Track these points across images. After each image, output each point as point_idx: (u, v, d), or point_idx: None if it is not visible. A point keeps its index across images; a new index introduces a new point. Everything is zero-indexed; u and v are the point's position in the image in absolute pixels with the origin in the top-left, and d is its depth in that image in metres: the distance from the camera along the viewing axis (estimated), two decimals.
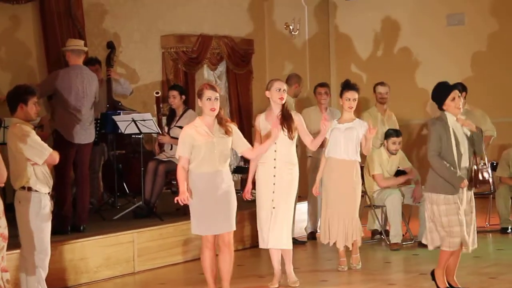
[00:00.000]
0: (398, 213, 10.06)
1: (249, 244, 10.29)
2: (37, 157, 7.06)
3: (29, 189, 7.06)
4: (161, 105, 10.52)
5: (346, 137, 8.78)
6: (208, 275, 7.41)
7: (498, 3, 14.28)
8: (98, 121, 10.38)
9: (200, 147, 7.20)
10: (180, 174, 7.24)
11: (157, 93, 10.55)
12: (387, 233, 10.40)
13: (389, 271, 9.07)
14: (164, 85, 12.86)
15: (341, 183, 8.77)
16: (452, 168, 7.22)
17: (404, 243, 10.15)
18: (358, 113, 13.60)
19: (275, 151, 8.07)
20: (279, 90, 8.11)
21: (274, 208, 8.05)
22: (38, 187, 7.08)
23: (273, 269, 8.23)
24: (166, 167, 10.19)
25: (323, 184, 8.91)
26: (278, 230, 8.06)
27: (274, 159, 8.08)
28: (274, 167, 8.08)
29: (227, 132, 7.33)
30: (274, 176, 8.07)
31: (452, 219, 7.26)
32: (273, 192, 8.06)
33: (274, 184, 8.07)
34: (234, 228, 7.42)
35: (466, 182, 7.23)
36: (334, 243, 8.88)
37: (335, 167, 8.79)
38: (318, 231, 10.89)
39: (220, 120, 7.34)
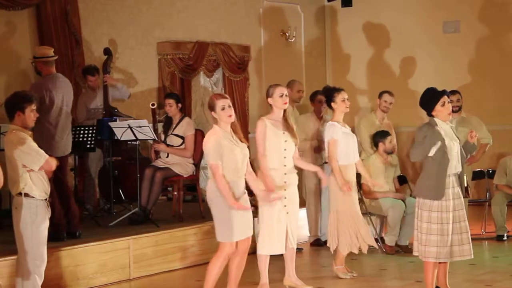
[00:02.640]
0: (398, 222, 10.11)
1: None
2: (33, 163, 7.05)
3: (26, 195, 7.05)
4: (156, 116, 10.50)
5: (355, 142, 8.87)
6: (212, 283, 7.31)
7: (493, 10, 14.30)
8: (95, 127, 10.38)
9: (229, 156, 7.15)
10: (224, 184, 7.07)
11: (152, 104, 10.53)
12: (382, 240, 10.40)
13: (385, 278, 9.05)
14: (160, 91, 12.85)
15: (353, 186, 8.80)
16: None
17: (400, 250, 10.18)
18: (354, 118, 13.72)
19: (285, 157, 8.08)
20: (282, 96, 8.09)
21: (287, 213, 8.08)
22: (34, 193, 7.07)
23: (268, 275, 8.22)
24: (163, 174, 10.17)
25: (331, 191, 8.83)
26: (295, 232, 8.22)
27: (284, 166, 8.08)
28: (285, 174, 8.08)
29: (241, 140, 7.33)
30: (285, 182, 8.07)
31: (432, 227, 7.24)
32: (285, 198, 8.05)
33: (285, 190, 8.06)
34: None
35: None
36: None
37: (351, 172, 8.78)
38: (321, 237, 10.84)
39: (235, 129, 7.33)
